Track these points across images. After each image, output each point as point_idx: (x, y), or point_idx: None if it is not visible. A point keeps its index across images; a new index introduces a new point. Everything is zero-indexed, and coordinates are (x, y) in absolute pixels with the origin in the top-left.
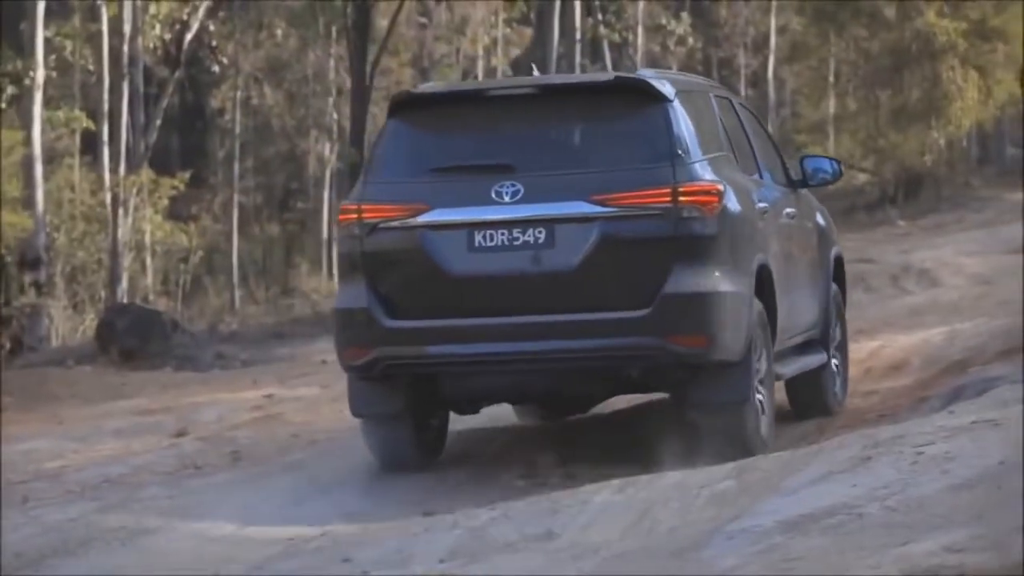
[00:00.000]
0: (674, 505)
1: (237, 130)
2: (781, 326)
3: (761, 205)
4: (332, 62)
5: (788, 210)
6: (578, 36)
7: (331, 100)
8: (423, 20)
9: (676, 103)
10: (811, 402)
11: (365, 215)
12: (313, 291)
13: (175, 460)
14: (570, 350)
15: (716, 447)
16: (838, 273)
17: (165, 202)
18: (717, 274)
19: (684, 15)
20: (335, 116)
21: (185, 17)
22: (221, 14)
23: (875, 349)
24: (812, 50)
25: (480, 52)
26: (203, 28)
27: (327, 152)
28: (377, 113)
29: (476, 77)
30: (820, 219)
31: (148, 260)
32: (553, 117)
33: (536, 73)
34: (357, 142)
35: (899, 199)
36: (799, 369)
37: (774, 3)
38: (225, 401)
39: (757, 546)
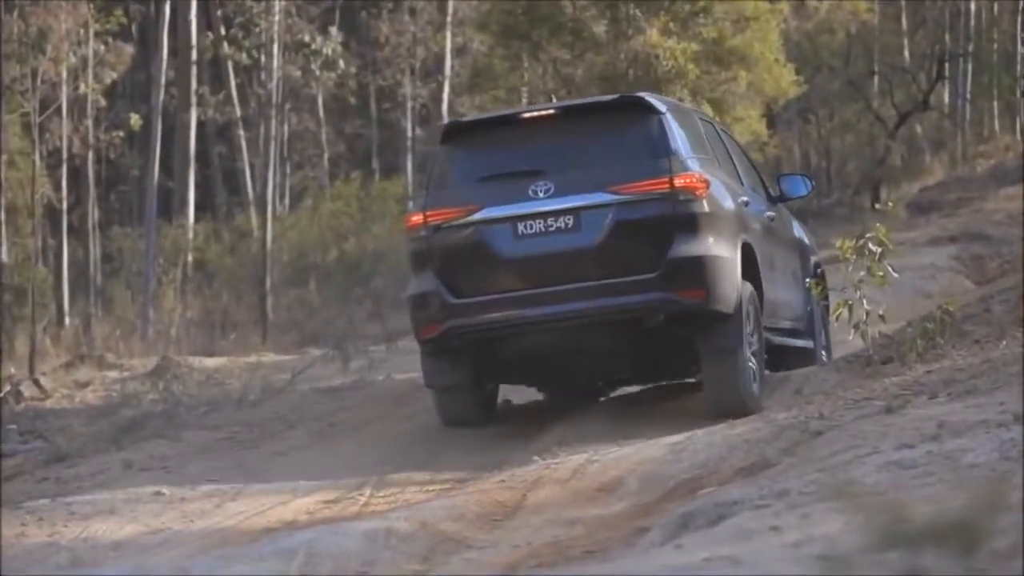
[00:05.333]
0: None
1: None
2: (767, 300)
3: (743, 198)
4: None
5: (769, 213)
6: (194, 56)
7: None
8: None
9: (668, 115)
10: (802, 363)
11: (430, 219)
12: None
13: None
14: (598, 307)
15: (714, 390)
16: (818, 278)
17: None
18: (710, 241)
19: (333, 31)
20: None
21: None
22: None
23: (580, 465)
24: (499, 76)
25: (65, 75)
26: None
27: None
28: None
29: (60, 106)
30: (798, 232)
31: None
32: (573, 130)
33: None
34: None
35: None
36: (785, 342)
37: (450, 16)
38: None
39: None
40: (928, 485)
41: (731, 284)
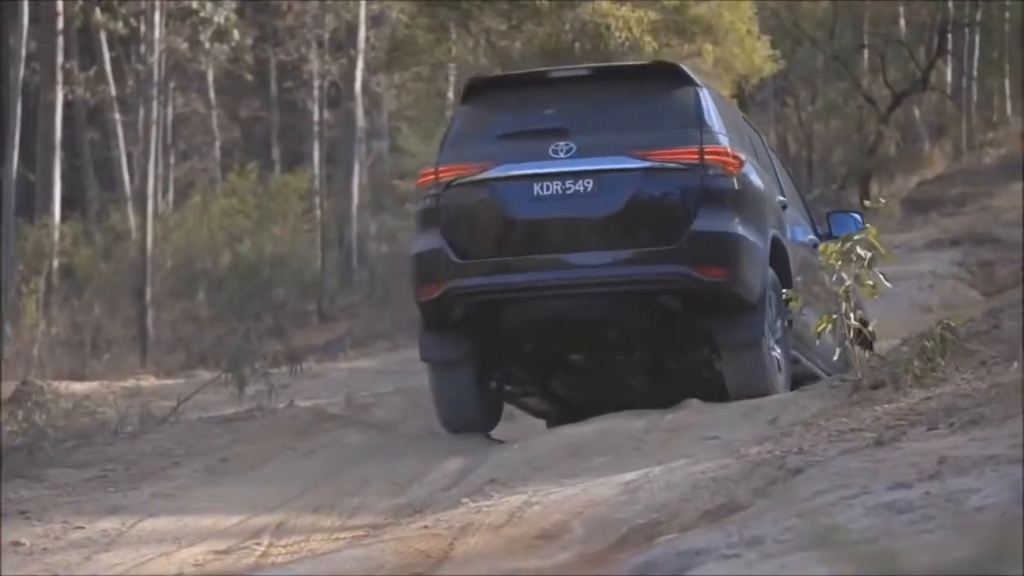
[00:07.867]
0: None
1: None
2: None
3: (780, 199)
4: None
5: (811, 238)
6: (61, 24)
7: None
8: None
9: (705, 90)
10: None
11: (442, 175)
12: None
13: None
14: (612, 276)
15: (737, 386)
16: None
17: None
18: (736, 220)
19: None
20: None
21: None
22: None
23: (517, 507)
24: (423, 50)
25: None
26: None
27: None
28: None
29: None
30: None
31: None
32: (600, 92)
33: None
34: None
35: None
36: (815, 369)
37: None
38: None
39: None
40: (927, 532)
41: (756, 271)
